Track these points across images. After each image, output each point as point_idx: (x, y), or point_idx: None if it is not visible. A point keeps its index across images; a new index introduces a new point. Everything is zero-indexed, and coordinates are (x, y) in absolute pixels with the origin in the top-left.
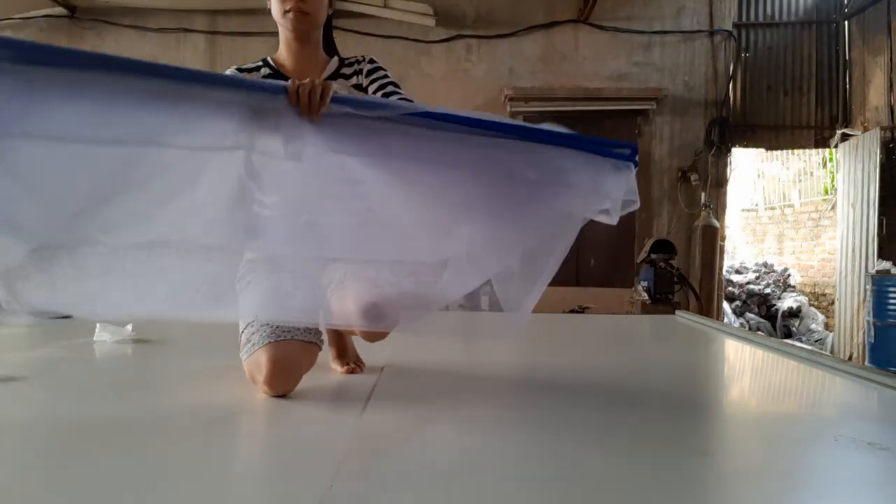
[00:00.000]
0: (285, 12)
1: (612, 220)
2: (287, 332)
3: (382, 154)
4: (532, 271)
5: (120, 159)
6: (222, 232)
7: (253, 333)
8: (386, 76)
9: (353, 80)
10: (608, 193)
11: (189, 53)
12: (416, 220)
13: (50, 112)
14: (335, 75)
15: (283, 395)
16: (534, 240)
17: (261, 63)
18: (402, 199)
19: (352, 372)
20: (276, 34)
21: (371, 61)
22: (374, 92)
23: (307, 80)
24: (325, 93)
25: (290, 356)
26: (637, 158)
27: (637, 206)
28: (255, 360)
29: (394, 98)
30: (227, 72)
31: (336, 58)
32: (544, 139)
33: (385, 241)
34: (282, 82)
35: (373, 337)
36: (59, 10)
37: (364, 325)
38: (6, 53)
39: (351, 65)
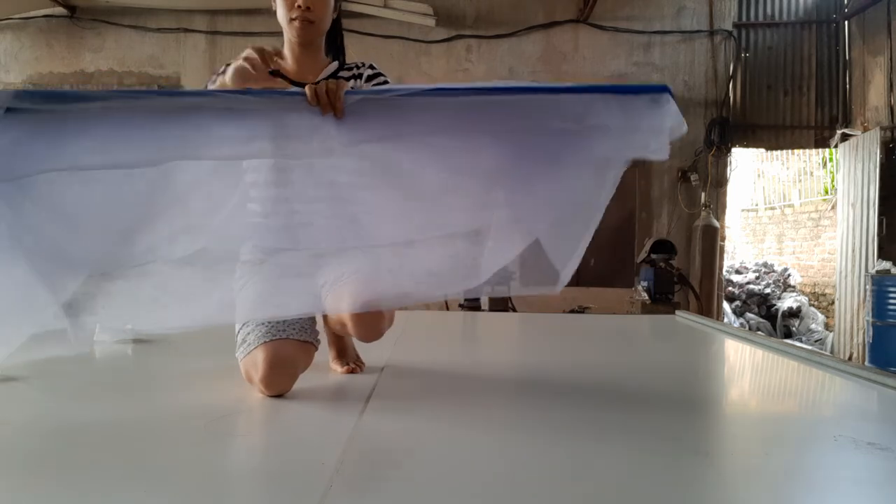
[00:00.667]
0: (291, 20)
1: (662, 154)
2: (283, 331)
3: (406, 132)
4: (576, 223)
5: (151, 179)
6: (261, 234)
7: (249, 333)
8: (387, 82)
9: (351, 84)
10: (647, 128)
11: (189, 53)
12: (449, 191)
13: (73, 144)
14: (333, 77)
15: (279, 395)
16: (575, 190)
17: None
18: (432, 173)
19: (352, 372)
20: (277, 34)
21: (371, 67)
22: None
23: (321, 82)
24: (339, 88)
25: (287, 355)
26: (672, 91)
27: (685, 128)
28: (251, 360)
29: None
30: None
31: (336, 62)
32: (568, 90)
33: (420, 219)
34: (298, 88)
35: (367, 336)
36: (59, 10)
37: (358, 324)
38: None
39: (350, 69)
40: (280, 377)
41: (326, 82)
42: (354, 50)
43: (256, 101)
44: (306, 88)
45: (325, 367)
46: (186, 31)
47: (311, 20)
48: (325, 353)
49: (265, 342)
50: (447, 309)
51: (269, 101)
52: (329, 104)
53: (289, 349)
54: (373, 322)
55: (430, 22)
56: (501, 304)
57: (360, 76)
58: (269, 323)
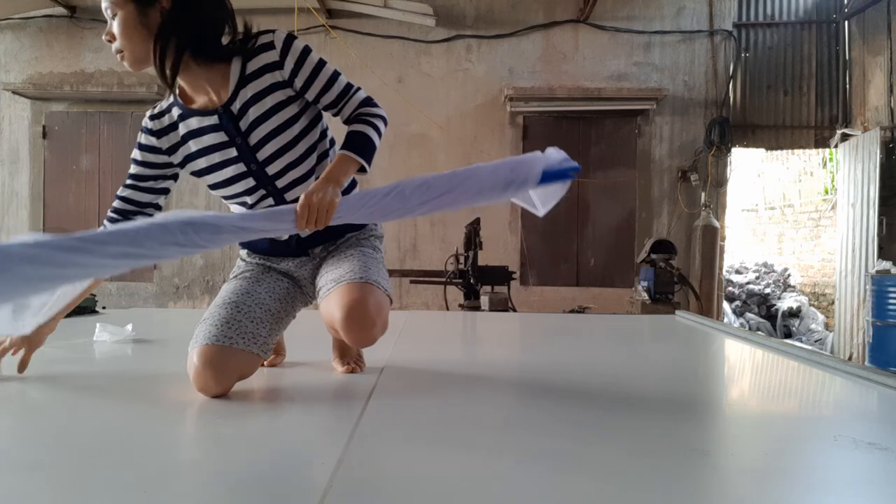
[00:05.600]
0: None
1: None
2: (229, 337)
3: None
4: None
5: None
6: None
7: (199, 331)
8: (318, 71)
9: (269, 80)
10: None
11: None
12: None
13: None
14: (244, 81)
15: (218, 396)
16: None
17: (172, 102)
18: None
19: (352, 372)
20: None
21: (284, 51)
22: (317, 99)
23: (314, 200)
24: (329, 213)
25: (221, 361)
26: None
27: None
28: (190, 357)
29: (353, 116)
30: (144, 122)
31: (237, 62)
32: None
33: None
34: (292, 209)
35: (358, 341)
36: (59, 10)
37: (348, 331)
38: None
39: (257, 53)
40: (208, 381)
41: (321, 202)
42: (354, 50)
43: (246, 220)
44: (298, 205)
45: (326, 367)
46: None
47: (122, 50)
48: (326, 352)
49: (204, 344)
50: (447, 309)
51: (260, 217)
52: (315, 222)
53: (225, 356)
54: (363, 328)
55: (430, 22)
56: (501, 305)
57: (277, 66)
58: (220, 326)
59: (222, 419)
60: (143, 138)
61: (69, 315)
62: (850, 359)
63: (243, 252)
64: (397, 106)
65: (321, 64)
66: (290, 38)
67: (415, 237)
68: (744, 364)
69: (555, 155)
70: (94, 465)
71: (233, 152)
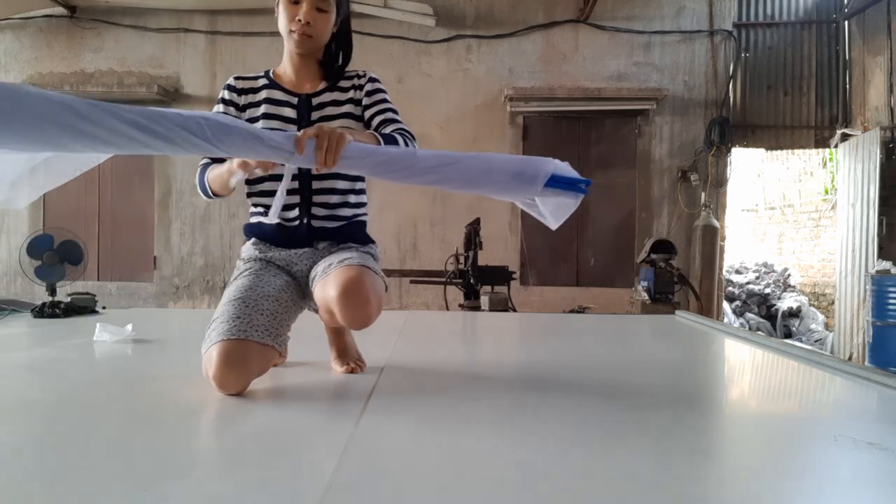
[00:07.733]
0: (290, 32)
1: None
2: (244, 331)
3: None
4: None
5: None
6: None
7: (212, 330)
8: (384, 100)
9: (350, 94)
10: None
11: (189, 53)
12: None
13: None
14: (332, 87)
15: (237, 394)
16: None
17: (261, 74)
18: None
19: (352, 371)
20: (277, 34)
21: (371, 80)
22: (371, 116)
23: (327, 129)
24: (339, 145)
25: (240, 356)
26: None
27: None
28: (208, 356)
29: (393, 132)
30: (228, 81)
31: (336, 73)
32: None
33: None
34: (296, 133)
35: (354, 321)
36: (59, 10)
37: (344, 309)
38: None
39: (350, 78)
40: (229, 376)
41: (332, 132)
42: (354, 50)
43: (257, 140)
44: (315, 130)
45: (326, 367)
46: (186, 31)
47: (310, 35)
48: (326, 352)
49: (222, 340)
50: (447, 309)
51: (269, 140)
52: (324, 159)
53: (244, 350)
54: (359, 305)
55: (430, 22)
56: (501, 305)
57: (359, 87)
58: (233, 321)
59: (222, 419)
60: (225, 94)
61: (69, 315)
62: (850, 359)
63: (244, 249)
64: (397, 106)
65: (387, 97)
66: (377, 78)
67: (415, 237)
68: (744, 364)
69: (564, 166)
70: (94, 465)
71: (293, 129)
